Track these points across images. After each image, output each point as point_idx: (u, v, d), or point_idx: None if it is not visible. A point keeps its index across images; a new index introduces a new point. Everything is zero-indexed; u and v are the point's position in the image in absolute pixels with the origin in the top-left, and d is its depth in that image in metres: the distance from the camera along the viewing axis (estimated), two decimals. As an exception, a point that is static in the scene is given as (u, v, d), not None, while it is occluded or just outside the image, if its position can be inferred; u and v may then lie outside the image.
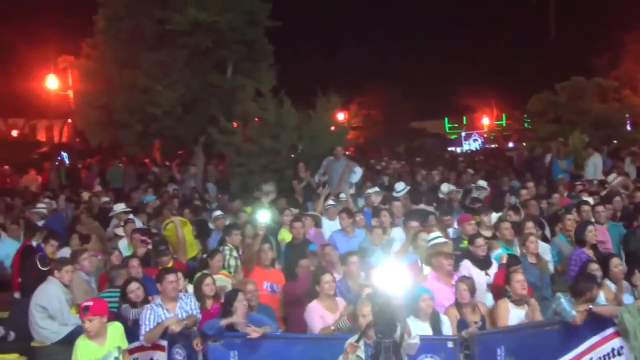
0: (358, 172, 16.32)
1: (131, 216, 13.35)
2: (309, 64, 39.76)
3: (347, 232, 11.61)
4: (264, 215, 10.69)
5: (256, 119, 17.70)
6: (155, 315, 8.01)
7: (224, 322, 7.65)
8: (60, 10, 35.61)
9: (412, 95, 43.05)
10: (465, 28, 44.45)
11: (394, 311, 5.94)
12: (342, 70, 41.04)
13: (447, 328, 7.90)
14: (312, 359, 7.56)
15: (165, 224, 11.57)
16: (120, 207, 14.05)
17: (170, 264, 10.08)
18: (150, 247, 11.26)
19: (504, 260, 9.13)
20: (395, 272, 6.10)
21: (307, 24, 40.85)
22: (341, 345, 6.73)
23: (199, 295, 8.64)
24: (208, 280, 8.79)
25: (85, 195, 17.87)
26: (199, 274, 9.35)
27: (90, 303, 7.00)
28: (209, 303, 8.61)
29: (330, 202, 13.34)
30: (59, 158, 29.50)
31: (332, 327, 7.94)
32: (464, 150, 41.08)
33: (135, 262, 9.92)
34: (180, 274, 8.84)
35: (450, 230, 11.47)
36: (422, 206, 13.54)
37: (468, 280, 8.31)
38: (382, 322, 5.93)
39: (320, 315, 8.20)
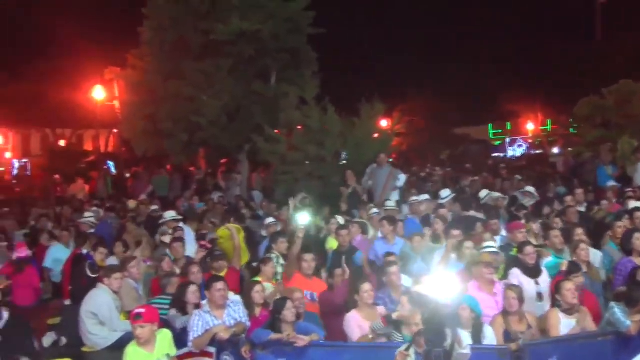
0: (402, 179, 16.25)
1: (181, 224, 13.48)
2: (352, 71, 39.84)
3: (388, 240, 11.53)
4: (303, 218, 10.63)
5: (300, 127, 17.77)
6: (203, 321, 8.08)
7: (273, 337, 7.66)
8: (107, 23, 36.30)
9: (455, 101, 42.80)
10: (509, 32, 44.09)
11: (443, 320, 5.88)
12: (385, 77, 41.01)
13: (490, 339, 7.76)
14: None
15: (221, 231, 11.66)
16: (170, 214, 14.16)
17: (225, 271, 10.15)
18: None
19: (564, 268, 8.96)
20: (445, 280, 6.06)
21: (350, 31, 40.93)
22: (390, 354, 6.67)
23: (249, 302, 8.65)
24: (258, 287, 8.81)
25: (132, 203, 18.07)
26: (249, 281, 9.38)
27: (143, 310, 7.07)
28: (258, 310, 8.63)
29: (375, 210, 13.25)
30: (106, 167, 29.91)
31: (371, 336, 7.90)
32: (507, 157, 40.57)
33: (195, 269, 9.96)
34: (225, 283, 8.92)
35: (497, 238, 11.33)
36: (472, 213, 13.40)
37: (516, 288, 8.18)
38: (431, 330, 5.88)
39: (359, 325, 8.17)
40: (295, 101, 17.84)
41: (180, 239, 11.78)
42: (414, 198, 14.43)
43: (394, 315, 7.69)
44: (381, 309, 8.38)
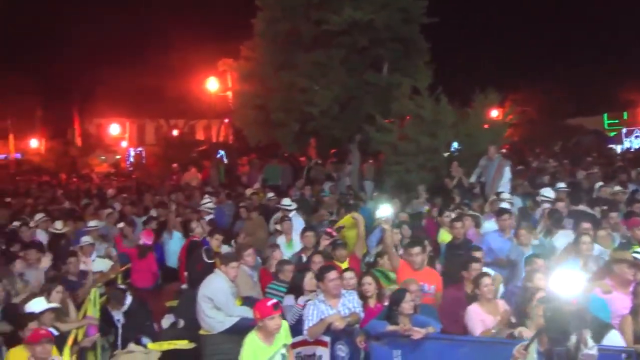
0: (507, 171, 15.90)
1: (293, 213, 13.64)
2: (464, 61, 39.30)
3: (505, 233, 11.28)
4: (385, 210, 10.50)
5: (408, 117, 17.64)
6: (318, 311, 8.13)
7: (389, 328, 7.60)
8: (220, 15, 37.15)
9: (568, 91, 41.51)
10: (625, 18, 42.32)
11: (567, 318, 5.66)
12: (497, 66, 40.19)
13: (613, 340, 7.41)
14: (476, 363, 7.38)
15: (346, 219, 11.75)
16: (286, 201, 14.41)
17: (347, 261, 10.22)
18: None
19: None
20: (570, 276, 5.84)
21: (463, 21, 40.38)
22: (509, 351, 6.49)
23: (360, 293, 8.63)
24: (367, 279, 8.76)
25: (249, 191, 18.47)
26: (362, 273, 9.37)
27: (275, 300, 7.11)
28: (372, 302, 8.60)
29: (505, 204, 12.90)
30: (219, 156, 30.65)
31: (493, 331, 7.72)
32: (623, 148, 38.86)
33: (318, 258, 9.99)
34: (352, 273, 8.96)
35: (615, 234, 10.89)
36: (581, 207, 12.94)
37: None
38: (554, 328, 5.68)
39: (480, 319, 8.00)
40: (407, 91, 17.70)
41: (311, 228, 11.89)
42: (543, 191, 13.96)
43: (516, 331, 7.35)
44: (502, 303, 8.18)
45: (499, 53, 43.57)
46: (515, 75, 40.03)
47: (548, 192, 13.38)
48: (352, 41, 18.53)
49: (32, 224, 14.53)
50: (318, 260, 9.89)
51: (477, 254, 9.63)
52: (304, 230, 11.68)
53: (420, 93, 17.25)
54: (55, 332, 7.99)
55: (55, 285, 9.13)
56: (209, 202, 15.69)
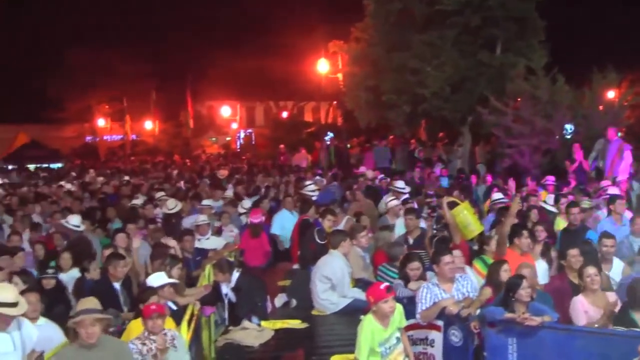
0: (628, 155, 15.26)
1: (407, 196, 13.56)
2: (582, 39, 37.82)
3: (617, 221, 10.85)
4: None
5: (519, 99, 17.18)
6: (431, 294, 8.01)
7: (507, 316, 7.41)
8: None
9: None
10: None
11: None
12: (615, 44, 38.36)
13: None
14: (595, 356, 6.99)
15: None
16: (400, 184, 14.35)
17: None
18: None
19: None
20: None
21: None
22: (631, 345, 6.22)
23: (497, 281, 8.42)
24: (505, 266, 8.38)
25: (370, 173, 18.53)
26: (496, 261, 9.17)
27: (387, 284, 7.09)
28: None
29: (614, 190, 12.37)
30: (330, 138, 30.79)
31: (596, 325, 7.42)
32: None
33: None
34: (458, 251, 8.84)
35: None
36: None
37: None
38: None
39: (584, 310, 7.70)
40: (522, 71, 17.25)
41: (414, 211, 11.82)
42: None
43: None
44: (611, 295, 7.85)
45: (618, 30, 41.56)
46: (635, 53, 38.10)
47: None
48: (464, 21, 18.25)
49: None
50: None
51: (608, 242, 9.16)
52: (407, 212, 11.59)
53: (535, 73, 16.77)
54: (174, 307, 8.26)
55: (176, 262, 9.43)
56: (311, 183, 15.80)
